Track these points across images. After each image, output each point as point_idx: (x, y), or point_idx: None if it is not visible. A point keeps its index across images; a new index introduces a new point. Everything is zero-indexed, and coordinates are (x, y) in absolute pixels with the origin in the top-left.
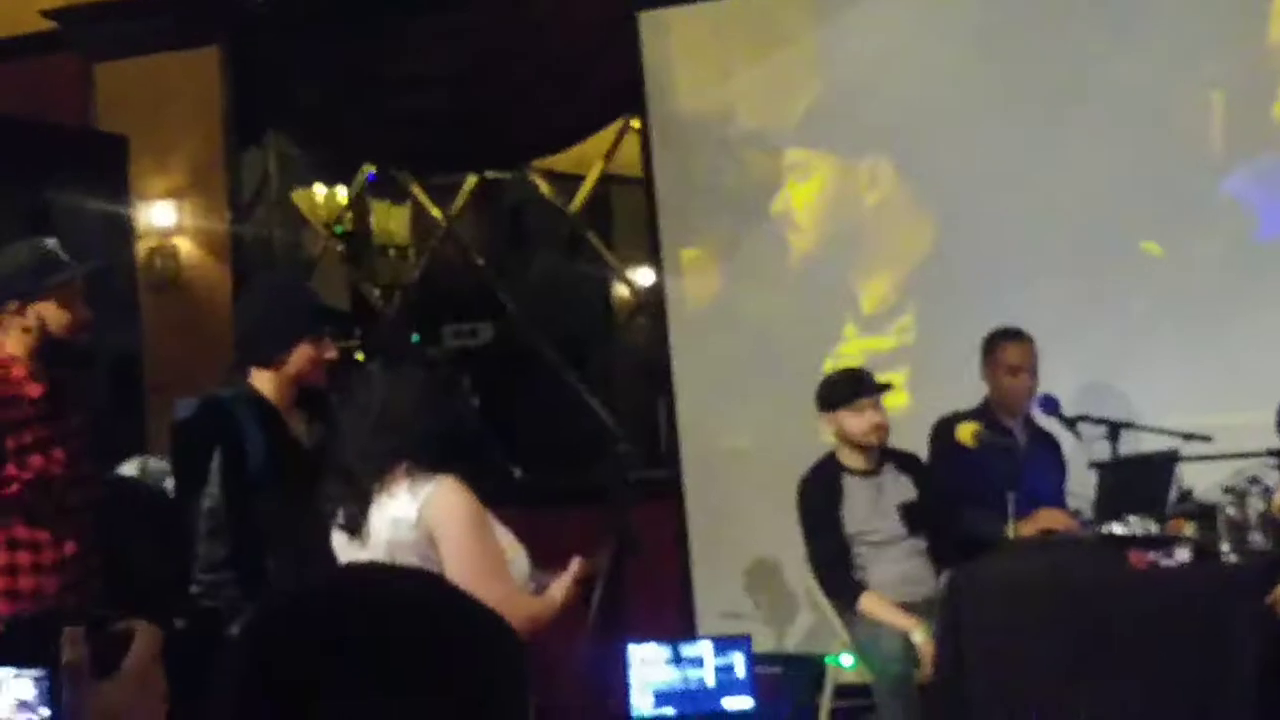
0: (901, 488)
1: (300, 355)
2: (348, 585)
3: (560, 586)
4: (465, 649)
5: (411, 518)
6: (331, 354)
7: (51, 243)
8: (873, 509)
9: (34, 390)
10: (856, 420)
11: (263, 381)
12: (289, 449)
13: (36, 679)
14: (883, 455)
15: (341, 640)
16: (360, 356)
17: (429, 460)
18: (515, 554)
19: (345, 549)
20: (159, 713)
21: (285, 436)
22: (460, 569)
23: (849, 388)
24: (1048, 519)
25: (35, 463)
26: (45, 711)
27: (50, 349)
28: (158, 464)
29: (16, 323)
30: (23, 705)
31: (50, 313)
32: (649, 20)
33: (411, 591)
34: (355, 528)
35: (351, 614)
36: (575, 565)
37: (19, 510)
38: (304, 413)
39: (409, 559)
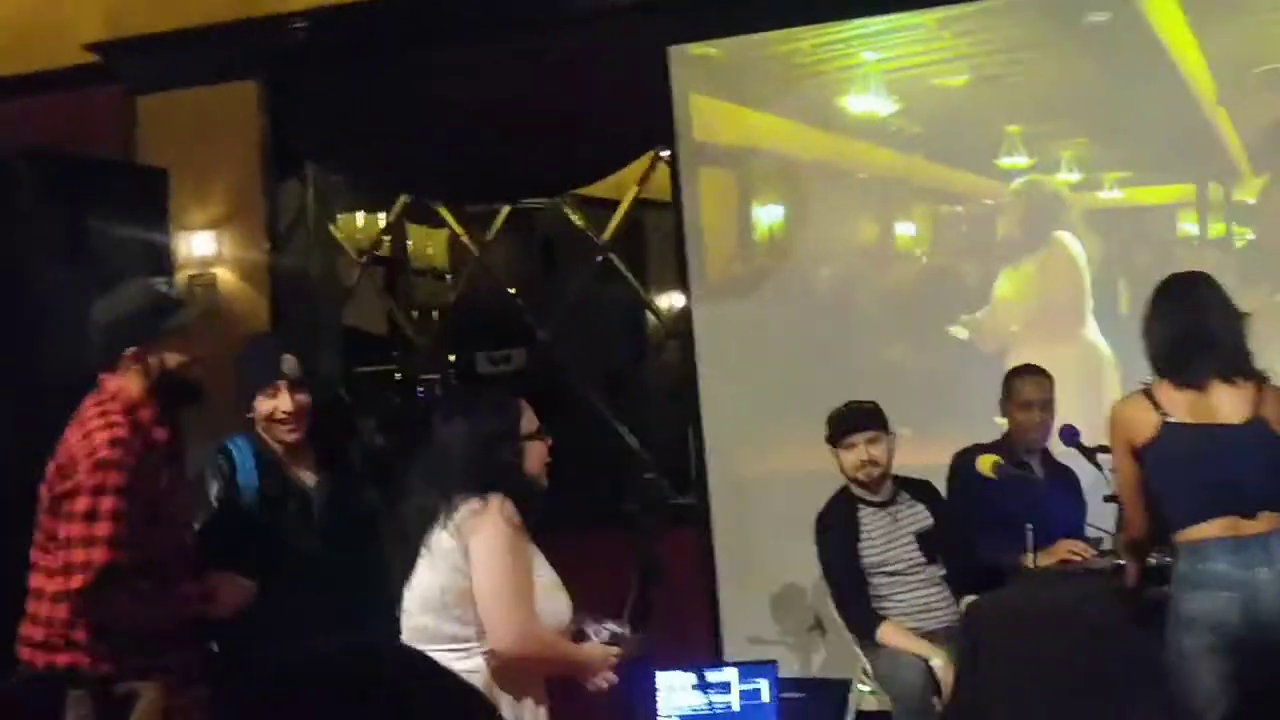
0: (917, 516)
1: (259, 409)
2: (336, 658)
3: (598, 649)
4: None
5: (452, 529)
6: (286, 406)
7: (163, 283)
8: (889, 539)
9: (161, 435)
10: (846, 456)
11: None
12: (286, 495)
13: None
14: (896, 485)
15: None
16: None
17: (473, 489)
18: (556, 594)
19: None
20: None
21: (284, 483)
22: (483, 586)
23: (840, 424)
24: (1067, 549)
25: (169, 508)
26: None
27: (165, 388)
28: None
29: (135, 367)
30: None
31: (169, 355)
32: (678, 54)
33: (398, 668)
34: (406, 573)
35: (329, 683)
36: (620, 648)
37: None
38: (315, 461)
39: (444, 566)
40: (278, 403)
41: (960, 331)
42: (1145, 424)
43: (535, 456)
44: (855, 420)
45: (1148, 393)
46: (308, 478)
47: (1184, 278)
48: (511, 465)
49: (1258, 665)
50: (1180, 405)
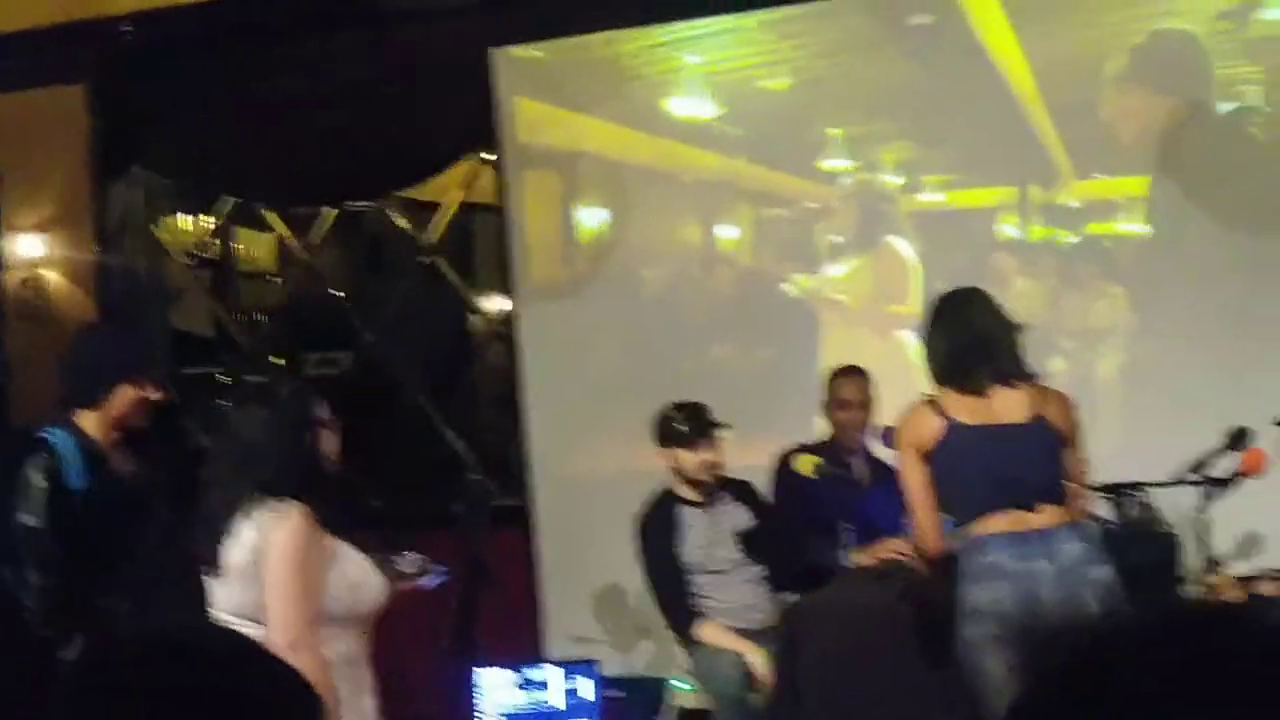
0: (737, 516)
1: (121, 397)
2: (165, 640)
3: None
4: (265, 710)
5: (250, 543)
6: (154, 395)
7: None
8: (710, 539)
9: None
10: (692, 458)
11: (87, 421)
12: (110, 486)
13: None
14: (718, 485)
15: (149, 690)
16: (227, 381)
17: (279, 491)
18: (369, 576)
19: (209, 582)
20: None
21: (107, 474)
22: (270, 596)
23: (686, 428)
24: (888, 549)
25: None
26: None
27: None
28: None
29: None
30: None
31: None
32: (501, 56)
33: (222, 651)
34: (211, 562)
35: (161, 667)
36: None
37: None
38: (128, 451)
39: (248, 583)
40: (145, 391)
41: (792, 289)
42: (931, 429)
43: (328, 444)
44: (707, 422)
45: (932, 402)
46: (122, 468)
47: (960, 293)
48: (313, 452)
49: (1038, 654)
50: (964, 409)
